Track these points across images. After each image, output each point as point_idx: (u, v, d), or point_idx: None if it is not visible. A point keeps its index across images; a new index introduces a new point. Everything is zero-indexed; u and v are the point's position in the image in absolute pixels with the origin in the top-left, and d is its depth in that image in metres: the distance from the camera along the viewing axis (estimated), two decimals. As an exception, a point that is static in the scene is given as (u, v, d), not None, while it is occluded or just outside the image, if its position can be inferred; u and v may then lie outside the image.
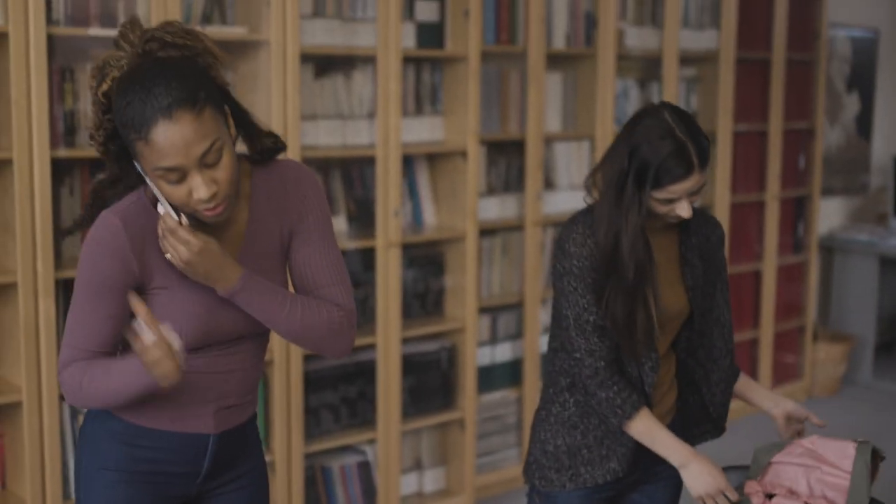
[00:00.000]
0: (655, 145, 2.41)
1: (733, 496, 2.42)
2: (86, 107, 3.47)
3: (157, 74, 1.92)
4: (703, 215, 2.69)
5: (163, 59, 1.98)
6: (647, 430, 2.49)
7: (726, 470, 2.61)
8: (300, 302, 2.12)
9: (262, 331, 2.19)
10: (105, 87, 2.00)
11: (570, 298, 2.49)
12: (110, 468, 2.15)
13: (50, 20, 3.30)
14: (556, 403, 2.62)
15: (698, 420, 2.72)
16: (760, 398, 2.75)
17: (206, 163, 1.94)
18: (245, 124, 2.11)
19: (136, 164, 2.01)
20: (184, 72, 1.94)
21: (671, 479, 2.70)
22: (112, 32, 3.44)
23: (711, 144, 5.42)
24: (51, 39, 3.31)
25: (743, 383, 2.77)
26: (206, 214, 1.98)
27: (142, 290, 2.06)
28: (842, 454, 2.58)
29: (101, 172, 2.14)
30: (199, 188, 1.94)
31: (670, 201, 2.45)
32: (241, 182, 2.12)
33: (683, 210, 2.46)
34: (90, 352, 2.07)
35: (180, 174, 1.93)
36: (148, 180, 2.00)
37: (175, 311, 2.06)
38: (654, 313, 2.51)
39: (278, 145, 2.16)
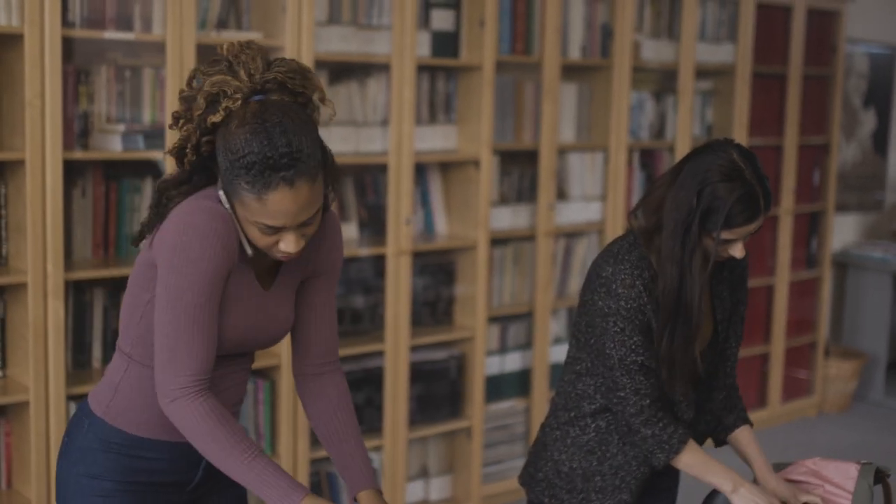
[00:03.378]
0: (724, 187, 2.37)
1: None
2: (100, 109, 3.49)
3: (285, 130, 1.91)
4: None
5: (286, 107, 1.95)
6: (697, 462, 2.48)
7: None
8: (353, 419, 2.26)
9: (267, 348, 2.24)
10: (218, 118, 1.96)
11: (616, 339, 2.46)
12: (106, 478, 2.13)
13: (66, 22, 3.31)
14: (576, 427, 2.60)
15: None
16: (756, 469, 2.64)
17: (304, 223, 1.98)
18: (329, 171, 2.08)
19: (222, 195, 1.99)
20: (306, 130, 1.94)
21: (667, 490, 2.70)
22: (128, 36, 3.46)
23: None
24: (66, 41, 3.33)
25: (746, 441, 2.68)
26: (278, 256, 2.02)
27: None
28: (845, 475, 2.57)
29: (166, 175, 2.12)
30: (291, 245, 1.98)
31: (726, 241, 2.43)
32: None
33: (738, 251, 2.44)
34: (203, 379, 2.01)
35: (278, 230, 1.97)
36: (235, 218, 2.00)
37: (227, 319, 2.06)
38: (698, 351, 2.52)
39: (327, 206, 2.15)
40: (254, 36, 3.73)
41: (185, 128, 2.02)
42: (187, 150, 2.02)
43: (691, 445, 2.48)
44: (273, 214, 1.93)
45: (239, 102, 1.96)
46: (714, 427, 2.69)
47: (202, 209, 1.99)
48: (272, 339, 2.19)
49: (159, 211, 2.06)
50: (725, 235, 2.40)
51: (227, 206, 2.00)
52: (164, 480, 2.16)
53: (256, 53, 2.00)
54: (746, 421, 2.70)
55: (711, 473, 2.47)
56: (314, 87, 2.04)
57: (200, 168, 2.05)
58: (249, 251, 2.05)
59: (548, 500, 2.65)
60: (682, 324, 2.45)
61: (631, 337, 2.46)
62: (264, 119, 1.91)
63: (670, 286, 2.43)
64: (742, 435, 2.68)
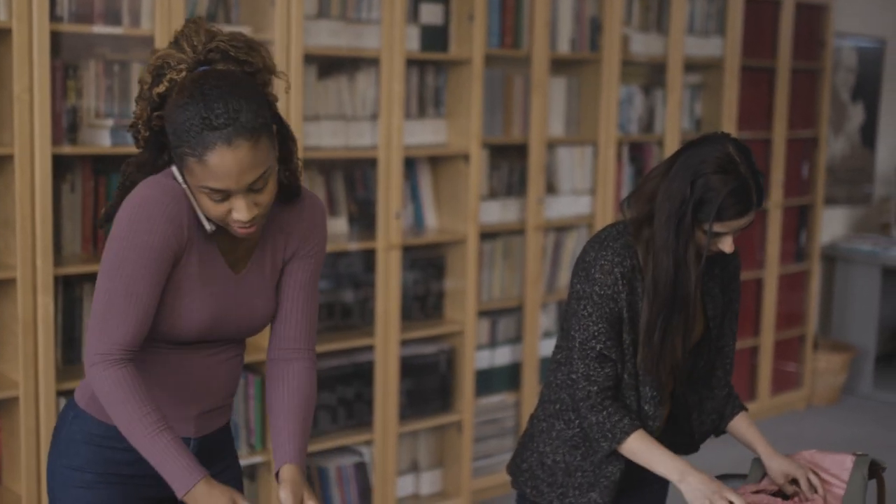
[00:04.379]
0: (718, 179, 2.36)
1: (737, 500, 2.39)
2: (89, 103, 3.48)
3: (222, 94, 1.93)
4: None
5: (226, 73, 1.98)
6: (643, 450, 2.46)
7: (724, 478, 2.61)
8: (310, 410, 2.21)
9: (253, 335, 2.22)
10: (162, 88, 2.00)
11: (581, 322, 2.47)
12: (87, 470, 2.13)
13: (54, 16, 3.30)
14: (561, 420, 2.59)
15: (677, 438, 2.69)
16: (761, 450, 2.63)
17: (253, 188, 1.97)
18: (286, 145, 2.11)
19: (175, 171, 2.02)
20: (246, 93, 1.95)
21: (657, 482, 2.69)
22: (117, 30, 3.45)
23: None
24: (55, 36, 3.32)
25: (745, 426, 2.68)
26: (238, 231, 2.02)
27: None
28: (840, 466, 2.59)
29: (130, 158, 2.14)
30: (242, 211, 1.97)
31: (717, 235, 2.42)
32: None
33: (727, 246, 2.44)
34: (129, 351, 2.00)
35: (226, 195, 1.96)
36: (187, 189, 2.02)
37: (190, 302, 2.06)
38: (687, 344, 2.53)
39: (296, 188, 2.16)
40: (242, 30, 3.72)
41: (139, 105, 2.06)
42: (140, 127, 2.06)
43: (638, 435, 2.45)
44: (215, 175, 1.93)
45: (183, 73, 2.00)
46: (717, 423, 2.70)
47: (155, 184, 2.02)
48: (249, 328, 2.18)
49: (122, 194, 2.10)
50: (717, 228, 2.40)
51: (181, 180, 2.02)
52: (146, 473, 2.13)
53: (200, 27, 2.03)
54: (742, 408, 2.70)
55: (658, 462, 2.44)
56: (261, 57, 2.05)
57: (159, 147, 2.08)
58: (208, 227, 2.05)
59: (529, 490, 2.65)
60: (677, 315, 2.45)
61: (596, 323, 2.45)
62: (202, 84, 1.94)
63: (665, 276, 2.43)
64: (740, 421, 2.68)
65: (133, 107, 2.11)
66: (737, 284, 2.68)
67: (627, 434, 2.45)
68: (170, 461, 1.96)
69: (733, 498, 2.36)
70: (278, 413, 2.19)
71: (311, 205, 2.23)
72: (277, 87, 2.16)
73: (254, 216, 1.99)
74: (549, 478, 2.60)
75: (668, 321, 2.45)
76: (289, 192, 2.15)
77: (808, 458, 2.64)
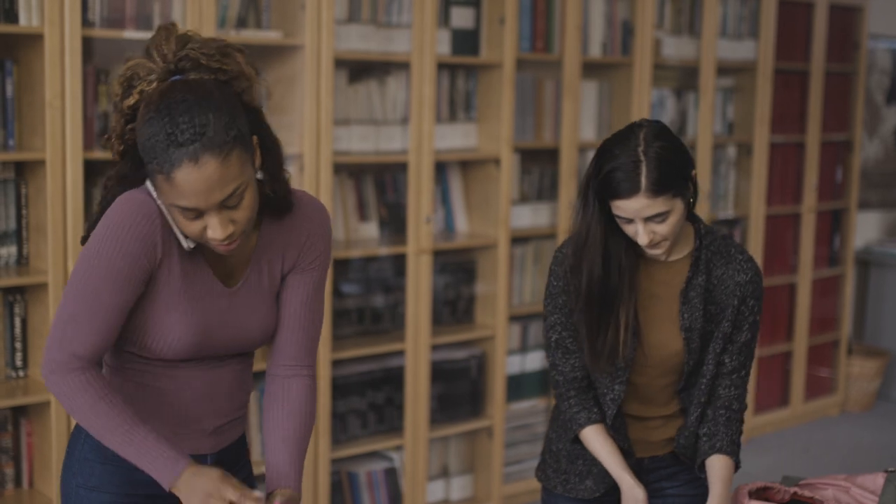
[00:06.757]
0: (611, 154, 2.31)
1: None
2: (120, 109, 3.48)
3: (189, 107, 1.84)
4: (725, 255, 2.46)
5: (194, 84, 1.89)
6: (591, 446, 2.49)
7: None
8: (308, 433, 2.14)
9: (251, 350, 2.16)
10: (132, 100, 1.93)
11: (544, 313, 2.53)
12: (104, 490, 2.07)
13: (85, 22, 3.31)
14: None
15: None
16: (709, 501, 2.44)
17: (226, 205, 1.89)
18: (271, 155, 2.02)
19: (152, 190, 1.95)
20: (216, 105, 1.86)
21: (682, 497, 2.61)
22: (148, 35, 3.45)
23: (747, 155, 5.35)
24: (86, 41, 3.33)
25: (714, 470, 2.45)
26: (217, 249, 1.95)
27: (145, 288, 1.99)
28: (873, 483, 2.56)
29: (109, 170, 2.05)
30: (216, 229, 1.89)
31: (627, 221, 2.33)
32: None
33: (637, 235, 2.33)
34: (87, 361, 1.93)
35: (198, 213, 1.89)
36: (162, 206, 1.95)
37: (174, 320, 2.00)
38: (623, 341, 2.41)
39: (287, 201, 2.07)
40: (273, 35, 3.72)
41: (114, 117, 2.00)
42: (114, 140, 1.99)
43: (590, 430, 2.47)
44: (183, 194, 1.85)
45: (154, 84, 1.92)
46: (693, 448, 2.53)
47: (128, 200, 1.94)
48: (243, 345, 2.11)
49: (104, 209, 2.01)
50: (615, 210, 2.32)
51: (155, 196, 1.94)
52: (165, 493, 2.03)
53: (171, 34, 1.95)
54: (721, 451, 2.45)
55: (602, 460, 2.48)
56: (236, 63, 1.96)
57: (138, 159, 1.97)
58: (185, 244, 1.97)
59: (540, 474, 2.68)
60: (592, 303, 2.40)
61: (552, 313, 2.50)
62: (168, 98, 1.86)
63: (571, 256, 2.42)
64: (709, 464, 2.46)
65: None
66: (735, 304, 2.44)
67: (581, 427, 2.48)
68: (150, 454, 1.91)
69: None
70: (277, 436, 2.12)
71: (310, 214, 2.12)
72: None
73: (230, 233, 1.90)
74: (555, 464, 2.62)
75: (587, 310, 2.41)
76: (279, 206, 2.07)
77: (841, 477, 2.61)
